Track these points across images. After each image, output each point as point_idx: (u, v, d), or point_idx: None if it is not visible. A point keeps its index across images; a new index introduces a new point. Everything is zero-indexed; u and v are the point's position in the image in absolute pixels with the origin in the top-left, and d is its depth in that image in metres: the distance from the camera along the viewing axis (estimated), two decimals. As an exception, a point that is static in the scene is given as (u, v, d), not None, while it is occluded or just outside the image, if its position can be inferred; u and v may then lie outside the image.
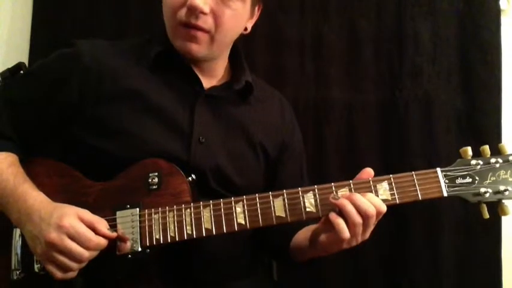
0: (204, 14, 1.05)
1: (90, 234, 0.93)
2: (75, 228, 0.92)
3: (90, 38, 1.17)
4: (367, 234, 0.97)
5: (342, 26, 1.71)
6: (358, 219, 0.93)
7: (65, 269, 0.93)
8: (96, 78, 1.07)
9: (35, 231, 0.94)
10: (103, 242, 0.95)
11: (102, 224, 0.96)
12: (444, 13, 1.68)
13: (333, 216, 0.94)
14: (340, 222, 0.93)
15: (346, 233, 0.93)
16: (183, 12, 1.06)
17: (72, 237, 0.91)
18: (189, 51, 1.10)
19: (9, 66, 1.28)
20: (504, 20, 1.67)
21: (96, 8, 1.76)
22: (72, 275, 0.94)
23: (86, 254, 0.92)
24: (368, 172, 1.00)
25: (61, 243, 0.91)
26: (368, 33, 1.71)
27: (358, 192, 0.96)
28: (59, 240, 0.91)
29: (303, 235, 1.13)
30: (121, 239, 0.98)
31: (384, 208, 0.95)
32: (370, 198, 0.95)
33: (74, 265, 0.92)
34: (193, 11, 1.04)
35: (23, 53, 1.76)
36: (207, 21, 1.06)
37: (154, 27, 1.62)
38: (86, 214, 0.95)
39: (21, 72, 1.27)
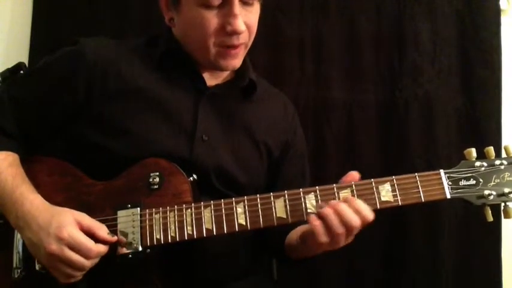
0: (243, 32, 1.07)
1: (90, 244, 0.93)
2: (75, 239, 0.92)
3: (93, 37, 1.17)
4: (351, 239, 0.97)
5: (342, 25, 1.71)
6: (340, 230, 0.92)
7: (68, 276, 0.94)
8: (100, 76, 1.07)
9: (34, 239, 0.95)
10: (103, 249, 0.95)
11: (102, 230, 0.96)
12: (444, 13, 1.68)
13: (312, 218, 0.94)
14: (317, 225, 0.93)
15: (323, 237, 0.92)
16: (222, 36, 1.06)
17: (72, 248, 0.92)
18: (233, 67, 1.13)
19: (9, 66, 1.28)
20: (504, 20, 1.67)
21: (96, 8, 1.76)
22: (76, 279, 0.95)
23: (87, 263, 0.93)
24: (353, 175, 0.99)
25: (62, 254, 0.92)
26: (368, 33, 1.70)
27: (360, 194, 0.96)
28: (59, 251, 0.92)
29: (295, 234, 1.13)
30: (120, 243, 0.98)
31: (370, 218, 0.94)
32: (358, 207, 0.93)
33: (76, 273, 0.94)
34: (235, 34, 1.06)
35: (23, 53, 1.76)
36: (244, 36, 1.09)
37: (155, 27, 1.63)
38: (85, 219, 0.96)
39: (21, 72, 1.26)
